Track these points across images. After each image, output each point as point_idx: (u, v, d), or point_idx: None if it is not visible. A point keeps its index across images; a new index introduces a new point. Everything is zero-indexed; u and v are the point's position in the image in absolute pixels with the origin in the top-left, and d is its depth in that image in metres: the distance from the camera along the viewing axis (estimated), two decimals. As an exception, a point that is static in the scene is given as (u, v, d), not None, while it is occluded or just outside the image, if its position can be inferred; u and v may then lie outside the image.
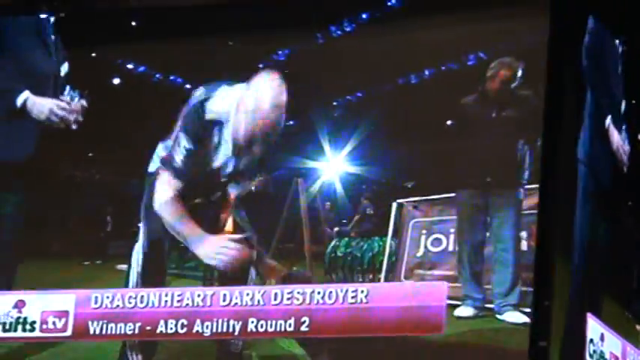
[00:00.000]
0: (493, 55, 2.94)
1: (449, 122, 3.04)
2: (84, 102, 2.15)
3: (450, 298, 3.00)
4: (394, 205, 3.65)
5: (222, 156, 2.05)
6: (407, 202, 3.68)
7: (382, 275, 3.49)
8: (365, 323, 2.60)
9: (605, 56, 2.50)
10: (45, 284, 3.31)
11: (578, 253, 2.39)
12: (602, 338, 2.58)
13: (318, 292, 2.59)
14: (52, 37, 2.19)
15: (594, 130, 2.47)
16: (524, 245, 2.80)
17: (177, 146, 1.96)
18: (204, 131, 1.99)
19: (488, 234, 2.84)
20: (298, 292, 2.60)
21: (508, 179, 2.69)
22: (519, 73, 2.75)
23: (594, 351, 2.51)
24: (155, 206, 2.03)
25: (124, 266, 4.92)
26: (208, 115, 1.98)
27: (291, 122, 6.36)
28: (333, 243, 4.07)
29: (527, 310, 2.63)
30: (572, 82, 2.47)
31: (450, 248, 3.18)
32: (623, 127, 2.56)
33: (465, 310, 2.85)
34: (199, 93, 2.08)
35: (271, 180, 4.14)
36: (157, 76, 6.40)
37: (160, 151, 2.31)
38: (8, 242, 2.50)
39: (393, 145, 4.42)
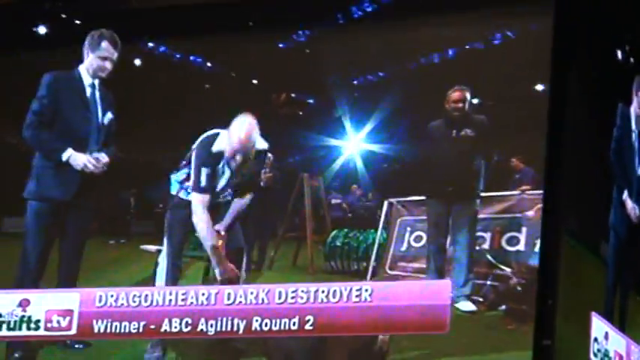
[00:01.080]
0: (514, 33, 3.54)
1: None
2: (107, 158, 2.74)
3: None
4: (385, 203, 4.28)
5: (224, 178, 2.81)
6: (397, 201, 4.32)
7: (370, 265, 4.18)
8: (369, 322, 2.66)
9: (625, 145, 3.00)
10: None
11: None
12: (606, 337, 2.75)
13: (322, 291, 2.62)
14: (97, 94, 2.69)
15: (617, 201, 3.06)
16: (486, 244, 3.54)
17: (200, 174, 2.72)
18: (213, 160, 2.75)
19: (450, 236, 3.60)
20: (302, 291, 2.64)
21: (465, 190, 3.43)
22: (467, 98, 3.46)
23: (598, 350, 2.70)
24: (193, 218, 2.72)
25: (147, 246, 5.74)
26: (214, 149, 2.76)
27: (311, 100, 6.97)
28: (333, 233, 4.74)
29: (479, 299, 3.40)
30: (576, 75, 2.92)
31: (429, 245, 3.91)
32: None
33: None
34: (206, 137, 2.83)
35: (279, 176, 4.88)
36: (178, 56, 6.99)
37: (177, 177, 2.95)
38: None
39: (413, 124, 5.02)
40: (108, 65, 2.75)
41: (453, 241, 3.53)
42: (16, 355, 2.85)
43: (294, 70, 6.19)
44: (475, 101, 3.54)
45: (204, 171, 2.71)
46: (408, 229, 4.21)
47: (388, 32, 4.83)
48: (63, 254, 2.87)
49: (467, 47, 4.40)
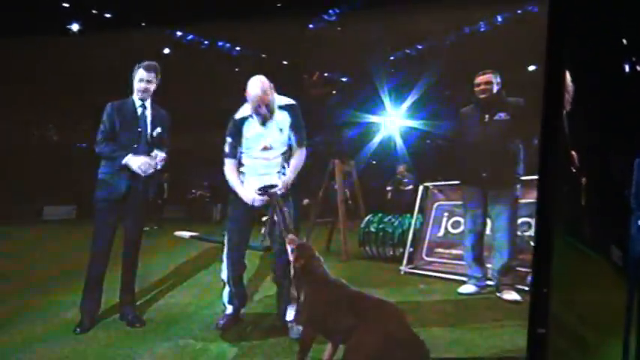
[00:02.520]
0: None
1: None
2: (164, 155, 3.20)
3: (458, 274, 3.69)
4: (420, 188, 4.16)
5: (253, 130, 2.96)
6: (433, 185, 4.20)
7: (406, 253, 4.06)
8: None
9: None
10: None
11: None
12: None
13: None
14: (147, 113, 3.19)
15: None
16: (532, 231, 3.37)
17: (225, 143, 3.04)
18: (236, 128, 3.04)
19: (489, 223, 3.45)
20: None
21: (502, 175, 3.27)
22: (494, 81, 3.36)
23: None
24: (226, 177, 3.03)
25: (181, 232, 5.79)
26: (237, 116, 3.07)
27: (345, 79, 6.87)
28: (367, 218, 4.67)
29: (525, 288, 3.26)
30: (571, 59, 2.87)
31: (468, 230, 3.77)
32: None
33: (467, 288, 3.50)
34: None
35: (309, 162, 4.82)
36: (206, 42, 7.02)
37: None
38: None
39: (452, 99, 4.89)
40: (150, 87, 3.24)
41: (492, 228, 3.39)
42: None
43: (326, 49, 6.11)
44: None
45: (228, 140, 3.06)
46: (446, 214, 4.10)
47: (423, 4, 4.69)
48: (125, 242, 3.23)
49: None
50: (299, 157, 3.09)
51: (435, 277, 3.84)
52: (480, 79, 3.39)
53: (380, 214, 4.69)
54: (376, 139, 5.92)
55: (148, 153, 3.19)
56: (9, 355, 2.85)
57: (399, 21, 5.21)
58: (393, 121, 5.92)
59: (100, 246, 3.14)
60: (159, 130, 3.27)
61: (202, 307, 3.42)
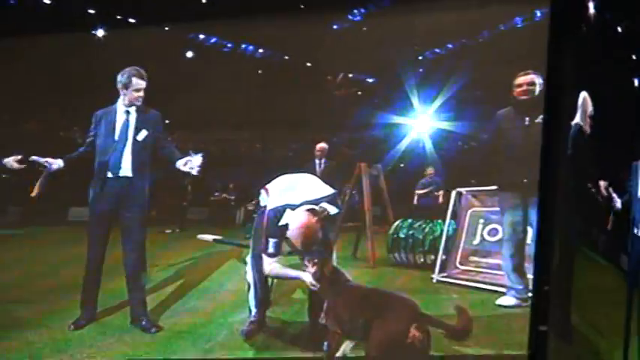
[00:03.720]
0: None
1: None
2: (201, 156, 3.18)
3: (498, 285, 3.54)
4: (453, 194, 4.03)
5: None
6: (466, 190, 4.06)
7: (438, 261, 3.93)
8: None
9: None
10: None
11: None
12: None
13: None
14: (130, 118, 3.24)
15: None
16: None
17: (268, 242, 2.83)
18: (280, 232, 2.82)
19: (530, 231, 3.30)
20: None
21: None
22: (537, 82, 3.20)
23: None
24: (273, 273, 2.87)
25: (204, 236, 5.73)
26: (280, 224, 2.81)
27: (371, 80, 6.77)
28: (396, 224, 4.54)
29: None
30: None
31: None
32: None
33: (507, 300, 3.36)
34: (272, 211, 2.82)
35: (336, 166, 4.71)
36: (229, 45, 7.00)
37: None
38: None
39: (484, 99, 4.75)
40: (141, 94, 3.27)
41: (532, 237, 3.24)
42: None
43: (351, 49, 6.02)
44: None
45: (271, 241, 2.87)
46: (481, 221, 3.97)
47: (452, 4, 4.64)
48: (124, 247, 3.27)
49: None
50: None
51: (469, 286, 3.70)
52: (521, 79, 3.25)
53: (409, 220, 4.57)
54: (404, 142, 5.78)
55: (135, 157, 3.21)
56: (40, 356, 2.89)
57: (427, 19, 5.09)
58: (422, 122, 5.77)
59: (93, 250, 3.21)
60: (145, 132, 3.26)
61: (227, 313, 3.38)
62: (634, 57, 3.14)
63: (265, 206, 2.98)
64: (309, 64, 6.52)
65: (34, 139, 5.62)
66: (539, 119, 3.13)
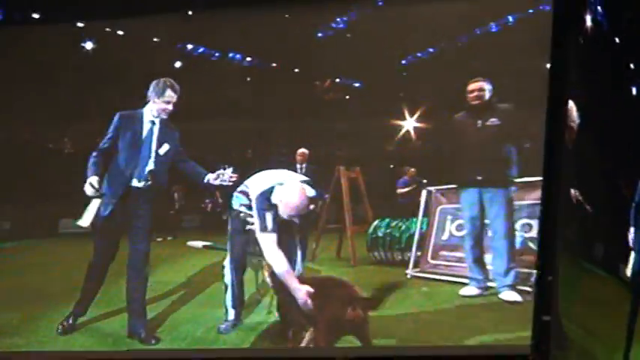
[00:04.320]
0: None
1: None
2: (231, 170, 3.47)
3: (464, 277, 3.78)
4: (424, 192, 4.29)
5: None
6: (435, 189, 4.30)
7: (412, 257, 4.20)
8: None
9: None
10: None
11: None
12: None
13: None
14: (154, 130, 3.41)
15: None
16: (533, 232, 3.46)
17: (265, 218, 3.23)
18: (273, 207, 3.24)
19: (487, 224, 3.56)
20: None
21: (496, 177, 3.41)
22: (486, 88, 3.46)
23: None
24: (267, 256, 3.18)
25: (194, 242, 5.93)
26: (272, 200, 3.24)
27: (357, 84, 6.95)
28: (375, 223, 4.71)
29: (527, 288, 3.35)
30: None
31: (472, 233, 3.85)
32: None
33: (469, 290, 3.61)
34: (261, 193, 3.22)
35: (316, 170, 4.92)
36: (217, 54, 7.17)
37: (240, 199, 3.33)
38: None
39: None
40: (170, 107, 3.45)
41: (491, 230, 3.49)
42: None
43: (336, 56, 6.23)
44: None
45: (268, 215, 3.20)
46: (449, 217, 4.19)
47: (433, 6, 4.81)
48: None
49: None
50: None
51: (440, 280, 3.93)
52: (472, 86, 3.52)
53: (387, 219, 4.77)
54: (384, 144, 6.00)
55: (155, 170, 3.39)
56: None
57: (410, 23, 5.28)
58: (403, 124, 5.98)
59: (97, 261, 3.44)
60: (167, 147, 3.39)
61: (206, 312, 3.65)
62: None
63: (238, 210, 3.23)
64: (296, 71, 6.74)
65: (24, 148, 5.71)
66: (490, 122, 3.40)
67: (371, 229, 4.74)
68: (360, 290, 2.77)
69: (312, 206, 4.85)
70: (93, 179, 3.33)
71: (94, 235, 3.36)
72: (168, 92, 3.42)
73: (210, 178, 3.41)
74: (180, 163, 3.46)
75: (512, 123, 3.37)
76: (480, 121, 3.49)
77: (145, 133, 3.42)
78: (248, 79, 6.85)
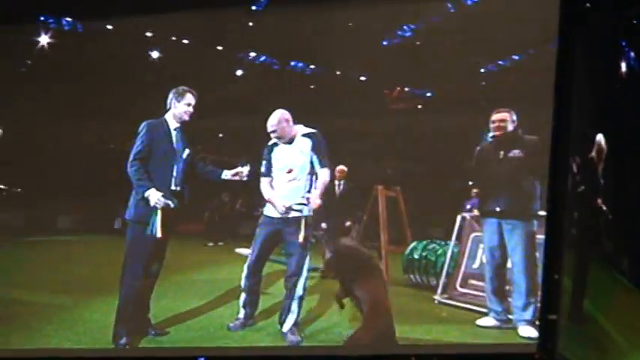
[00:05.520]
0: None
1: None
2: (249, 166, 3.81)
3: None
4: (458, 217, 4.24)
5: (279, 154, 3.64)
6: (470, 215, 4.25)
7: (440, 282, 4.20)
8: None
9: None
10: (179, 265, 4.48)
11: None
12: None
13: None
14: (179, 136, 3.66)
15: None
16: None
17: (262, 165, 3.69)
18: (267, 152, 3.68)
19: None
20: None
21: (517, 210, 3.37)
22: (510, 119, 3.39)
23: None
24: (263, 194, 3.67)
25: (241, 249, 6.16)
26: (269, 142, 3.69)
27: (429, 94, 6.89)
28: (412, 245, 4.73)
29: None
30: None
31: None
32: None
33: (486, 321, 3.56)
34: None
35: (355, 187, 5.00)
36: (276, 63, 7.33)
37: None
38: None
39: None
40: (191, 109, 3.69)
41: (511, 262, 3.45)
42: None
43: (405, 64, 6.24)
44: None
45: (263, 162, 3.73)
46: (481, 245, 4.13)
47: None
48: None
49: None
50: (322, 176, 3.73)
51: (465, 308, 3.90)
52: (494, 117, 3.51)
53: (425, 241, 4.76)
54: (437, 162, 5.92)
55: (180, 174, 3.63)
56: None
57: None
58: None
59: (133, 265, 3.65)
60: (187, 150, 3.71)
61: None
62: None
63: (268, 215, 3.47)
64: (363, 79, 6.81)
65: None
66: (512, 154, 3.36)
67: (407, 251, 4.76)
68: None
69: (348, 222, 4.95)
70: (155, 192, 3.55)
71: (131, 244, 3.62)
72: (188, 95, 3.67)
73: (227, 174, 3.64)
74: (197, 165, 3.79)
75: (536, 155, 3.32)
76: (501, 152, 3.48)
77: (173, 139, 3.66)
78: (312, 86, 7.05)
